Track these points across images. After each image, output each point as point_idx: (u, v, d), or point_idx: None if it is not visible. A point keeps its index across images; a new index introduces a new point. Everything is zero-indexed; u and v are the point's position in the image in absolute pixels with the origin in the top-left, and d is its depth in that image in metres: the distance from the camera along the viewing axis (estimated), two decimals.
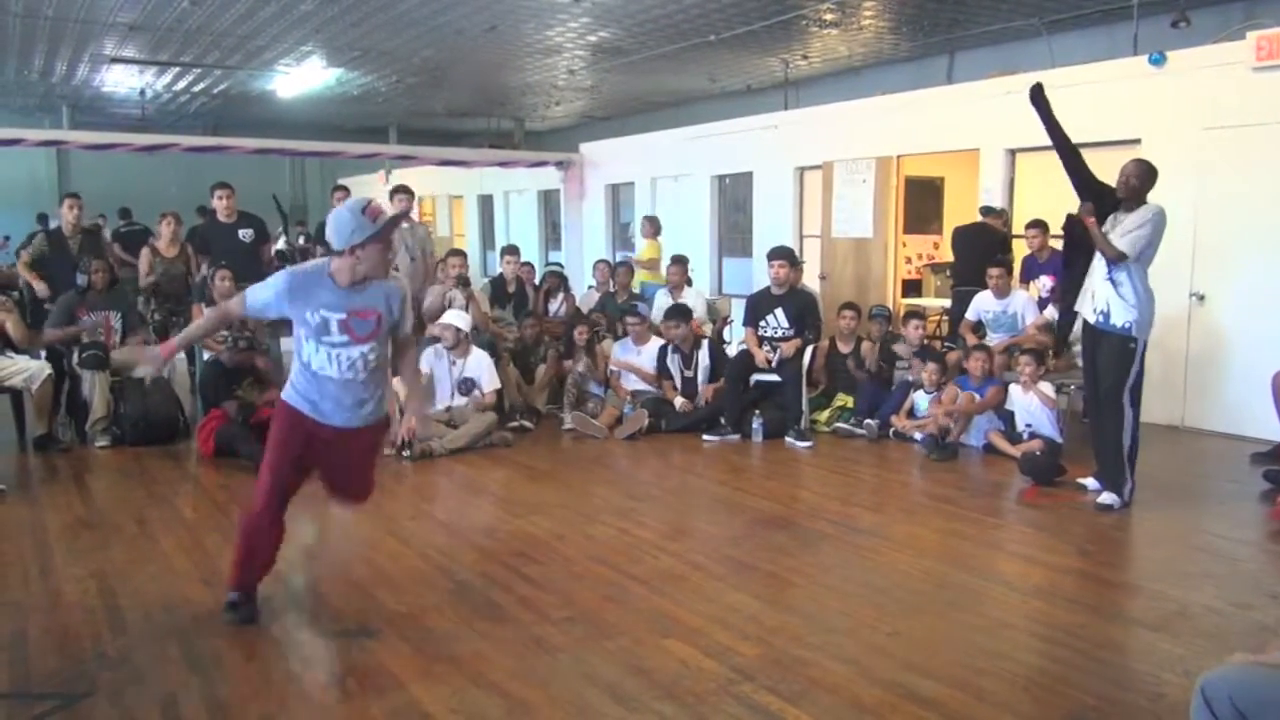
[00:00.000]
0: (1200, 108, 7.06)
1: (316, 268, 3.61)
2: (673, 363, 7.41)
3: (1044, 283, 7.37)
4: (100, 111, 17.89)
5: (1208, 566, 4.38)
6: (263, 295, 3.56)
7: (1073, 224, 5.23)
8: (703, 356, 7.39)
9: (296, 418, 3.62)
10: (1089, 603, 3.99)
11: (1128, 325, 5.03)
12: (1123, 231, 4.97)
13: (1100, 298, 5.12)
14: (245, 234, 7.80)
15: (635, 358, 7.54)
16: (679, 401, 7.25)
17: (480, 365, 6.90)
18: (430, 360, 6.85)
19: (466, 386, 6.84)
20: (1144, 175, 5.04)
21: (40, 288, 7.58)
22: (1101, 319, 5.12)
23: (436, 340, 6.97)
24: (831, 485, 5.93)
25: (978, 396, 6.45)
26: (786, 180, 10.93)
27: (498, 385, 6.96)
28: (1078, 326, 5.52)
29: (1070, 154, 5.25)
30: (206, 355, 7.08)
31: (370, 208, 3.50)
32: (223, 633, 3.59)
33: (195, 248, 7.89)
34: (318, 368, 3.55)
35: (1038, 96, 5.31)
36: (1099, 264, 5.12)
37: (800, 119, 11.15)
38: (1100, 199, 5.12)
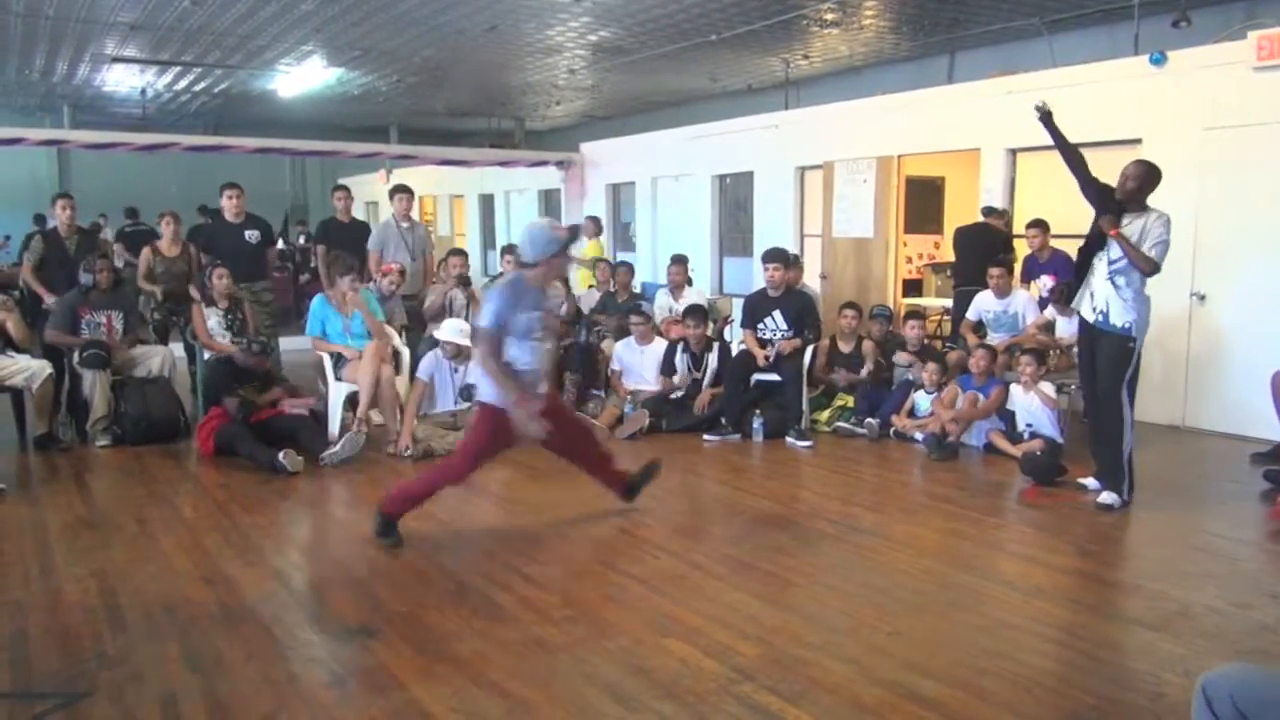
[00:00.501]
0: (1201, 107, 7.06)
1: (516, 278, 4.33)
2: (681, 362, 7.41)
3: (1045, 282, 7.36)
4: (101, 111, 17.90)
5: (1208, 566, 4.38)
6: (496, 313, 4.22)
7: (1096, 230, 5.21)
8: (711, 359, 7.39)
9: (502, 419, 4.31)
10: (1090, 602, 3.99)
11: (1127, 326, 5.03)
12: (1141, 241, 4.95)
13: (1100, 297, 5.12)
14: (251, 235, 7.84)
15: (639, 359, 7.54)
16: (686, 395, 7.24)
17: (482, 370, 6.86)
18: (431, 366, 6.83)
19: (468, 393, 6.82)
20: (1143, 177, 5.02)
21: (47, 297, 7.38)
22: (1101, 318, 5.12)
23: (438, 343, 6.96)
24: (832, 485, 5.93)
25: (981, 397, 6.44)
26: (787, 180, 10.92)
27: None
28: (1076, 328, 5.53)
29: (1079, 167, 5.22)
30: (207, 354, 7.09)
31: (557, 225, 4.29)
32: (223, 632, 3.60)
33: (200, 246, 7.90)
34: (525, 364, 4.29)
35: (1046, 120, 5.25)
36: (1100, 264, 5.11)
37: (801, 119, 11.14)
38: (1105, 204, 5.11)
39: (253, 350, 6.37)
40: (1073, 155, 5.21)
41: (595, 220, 11.63)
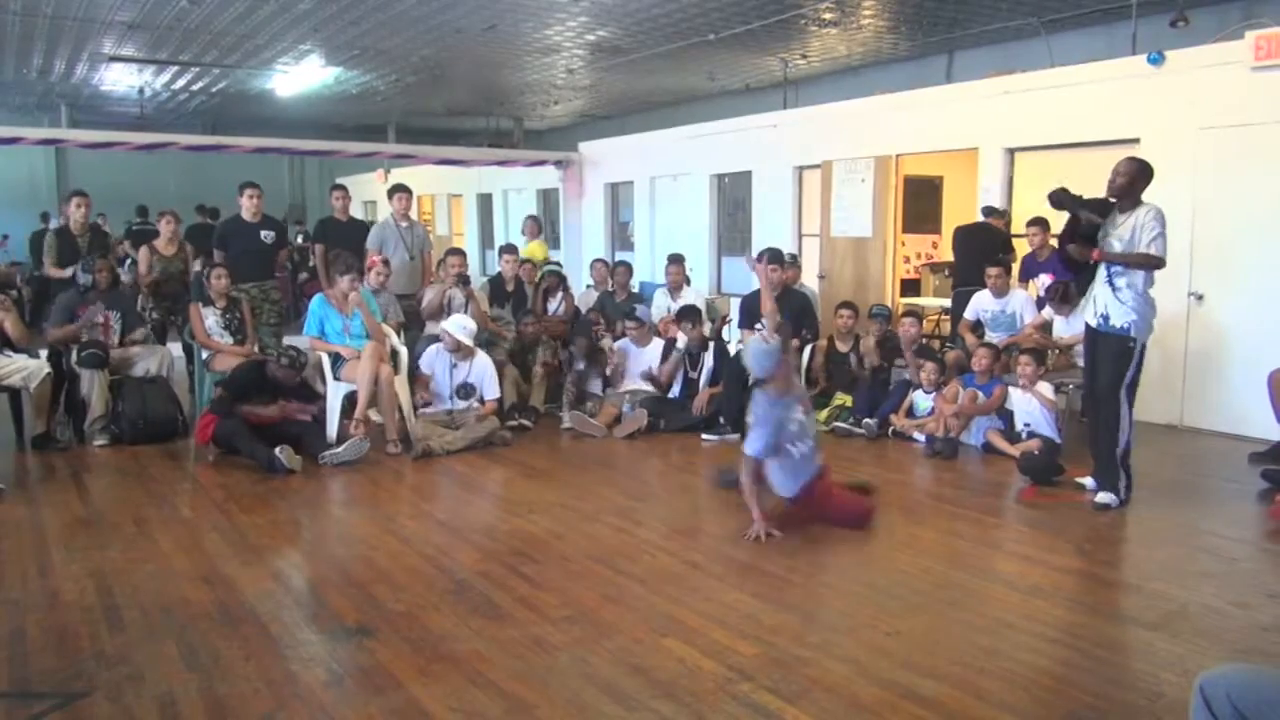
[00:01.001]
0: (1199, 107, 7.06)
1: (764, 399, 4.74)
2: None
3: (1043, 281, 7.36)
4: (99, 110, 17.88)
5: (1206, 566, 4.38)
6: (766, 443, 4.67)
7: (1068, 254, 5.24)
8: (707, 359, 7.40)
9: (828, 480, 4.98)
10: (1088, 602, 4.00)
11: (1126, 326, 5.03)
12: (1134, 238, 4.94)
13: (1101, 301, 5.12)
14: (267, 235, 7.87)
15: (638, 359, 7.54)
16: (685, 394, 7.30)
17: (482, 371, 6.85)
18: (432, 359, 6.84)
19: (465, 391, 6.82)
20: (1134, 173, 5.01)
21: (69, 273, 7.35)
22: (1101, 321, 5.13)
23: (436, 339, 6.97)
24: None
25: (981, 395, 6.45)
26: (785, 179, 10.92)
27: (498, 394, 6.92)
28: (1078, 331, 5.53)
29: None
30: (205, 354, 7.09)
31: (767, 337, 4.88)
32: (221, 632, 3.59)
33: (214, 244, 7.90)
34: (800, 453, 4.75)
35: (1063, 200, 5.21)
36: (1100, 268, 5.11)
37: (799, 118, 11.14)
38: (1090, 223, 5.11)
39: (282, 364, 6.25)
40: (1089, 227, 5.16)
41: (535, 220, 11.83)
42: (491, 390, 6.85)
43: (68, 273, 7.38)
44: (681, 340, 7.37)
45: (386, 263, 7.63)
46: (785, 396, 4.78)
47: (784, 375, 4.78)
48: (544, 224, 16.27)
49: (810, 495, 4.80)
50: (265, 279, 7.84)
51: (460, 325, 6.77)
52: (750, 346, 4.86)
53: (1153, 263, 4.91)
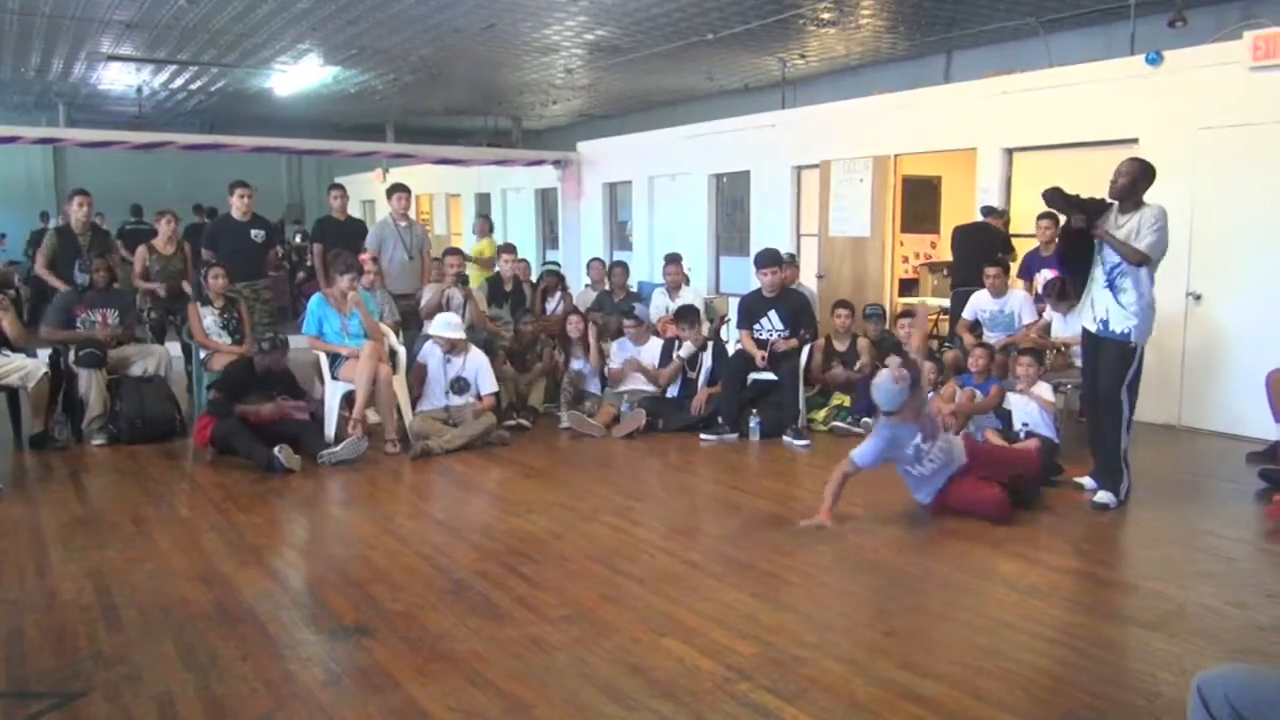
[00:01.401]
0: (1197, 107, 7.07)
1: (888, 427, 4.93)
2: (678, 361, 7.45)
3: (1045, 275, 7.33)
4: (97, 109, 17.86)
5: (1204, 565, 4.39)
6: (875, 455, 4.93)
7: (1069, 236, 5.22)
8: (705, 359, 7.40)
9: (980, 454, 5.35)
10: (1086, 602, 4.00)
11: (1127, 332, 5.03)
12: (1134, 236, 4.94)
13: (1100, 306, 5.11)
14: (257, 234, 7.91)
15: (638, 357, 7.55)
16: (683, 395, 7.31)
17: (477, 366, 6.87)
18: (426, 354, 6.86)
19: (460, 386, 6.82)
20: (1135, 174, 5.01)
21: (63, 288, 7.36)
22: (1101, 327, 5.12)
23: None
24: None
25: (979, 394, 6.44)
26: (784, 179, 10.93)
27: (495, 388, 6.93)
28: (1076, 331, 5.52)
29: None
30: (203, 354, 7.09)
31: (898, 377, 4.86)
32: (219, 632, 3.59)
33: (203, 243, 7.92)
34: (924, 471, 5.03)
35: (1056, 200, 5.16)
36: (1098, 272, 5.11)
37: (798, 118, 11.15)
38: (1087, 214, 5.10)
39: (263, 349, 6.23)
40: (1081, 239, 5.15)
41: (486, 219, 12.06)
42: (487, 385, 6.85)
43: (53, 281, 7.34)
44: (688, 349, 7.37)
45: (376, 260, 7.65)
46: (908, 425, 4.92)
47: (911, 409, 4.91)
48: (543, 224, 16.36)
49: (944, 501, 5.09)
50: (256, 278, 7.87)
51: (445, 325, 6.79)
52: (880, 384, 4.92)
53: (1139, 258, 4.91)
